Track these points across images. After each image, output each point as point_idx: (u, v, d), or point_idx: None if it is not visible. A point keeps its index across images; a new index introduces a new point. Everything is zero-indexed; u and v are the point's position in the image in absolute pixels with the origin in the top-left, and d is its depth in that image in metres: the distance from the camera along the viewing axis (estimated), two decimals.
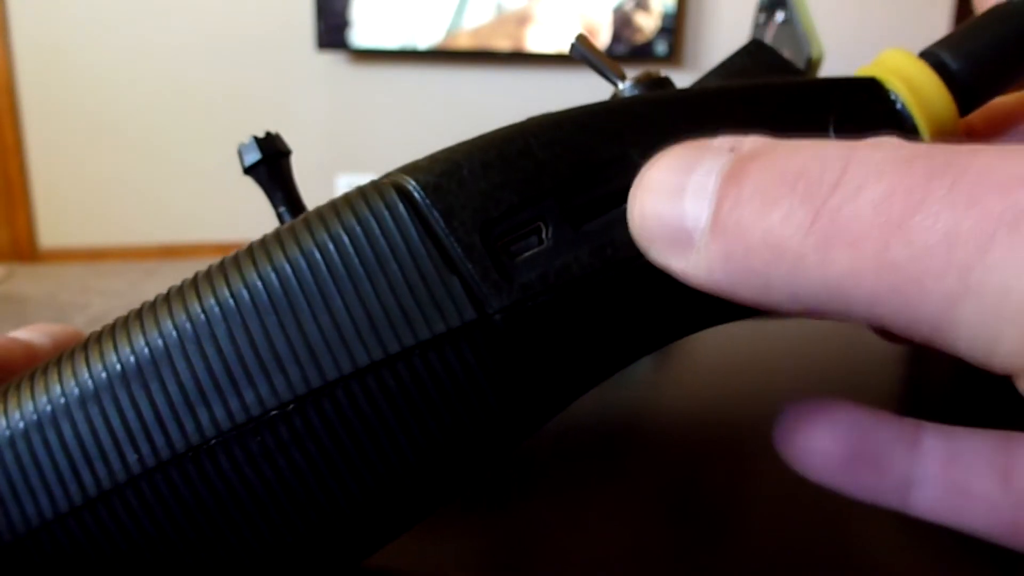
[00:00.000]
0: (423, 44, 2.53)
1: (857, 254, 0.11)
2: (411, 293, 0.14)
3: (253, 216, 2.37)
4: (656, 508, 0.26)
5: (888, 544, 0.24)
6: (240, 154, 0.18)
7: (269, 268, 0.15)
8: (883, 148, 0.11)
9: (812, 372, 0.38)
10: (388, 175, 0.16)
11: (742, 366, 0.38)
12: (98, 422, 0.14)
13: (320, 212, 0.15)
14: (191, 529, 0.15)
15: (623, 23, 2.60)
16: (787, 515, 0.26)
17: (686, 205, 0.13)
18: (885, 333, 0.18)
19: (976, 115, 0.19)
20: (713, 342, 0.41)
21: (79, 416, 0.15)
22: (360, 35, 2.47)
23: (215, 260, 0.16)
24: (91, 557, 0.15)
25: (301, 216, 0.16)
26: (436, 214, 0.15)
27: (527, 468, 0.27)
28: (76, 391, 0.15)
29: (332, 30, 2.45)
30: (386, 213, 0.15)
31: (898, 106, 0.17)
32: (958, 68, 0.17)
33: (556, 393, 0.16)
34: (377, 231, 0.15)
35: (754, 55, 0.18)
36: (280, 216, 0.18)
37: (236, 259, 0.15)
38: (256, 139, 0.18)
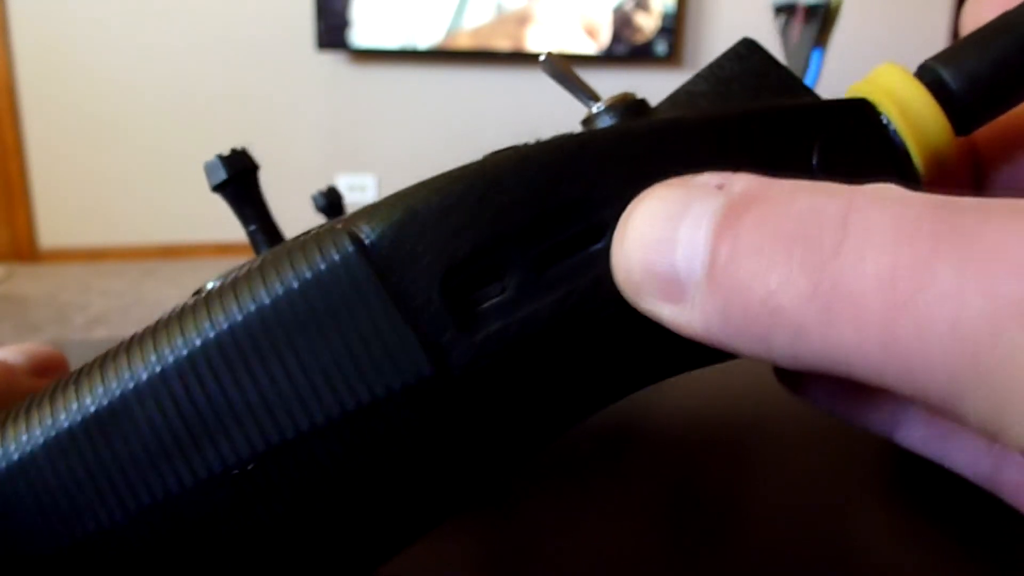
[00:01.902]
0: (423, 44, 2.53)
1: (861, 328, 0.10)
2: (367, 349, 0.14)
3: None
4: (655, 508, 0.26)
5: (887, 545, 0.24)
6: (206, 173, 0.17)
7: (223, 320, 0.14)
8: (884, 207, 0.11)
9: None
10: (343, 219, 0.15)
11: (741, 367, 0.38)
12: (68, 473, 0.14)
13: (275, 259, 0.15)
14: None
15: (623, 23, 2.60)
16: (786, 515, 0.26)
17: (677, 257, 0.12)
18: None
19: (982, 133, 0.18)
20: None
21: (46, 471, 0.14)
22: (360, 35, 2.47)
23: (185, 303, 0.15)
24: None
25: (255, 264, 0.15)
26: (392, 264, 0.14)
27: (526, 469, 0.27)
28: (35, 445, 0.14)
29: (332, 30, 2.45)
30: (339, 264, 0.14)
31: (890, 130, 0.16)
32: (958, 88, 0.16)
33: (521, 441, 0.16)
34: (330, 284, 0.14)
35: (745, 59, 0.17)
36: (252, 235, 0.17)
37: (193, 309, 0.15)
38: (220, 157, 0.17)
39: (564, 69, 0.17)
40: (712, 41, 2.69)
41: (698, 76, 0.17)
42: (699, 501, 0.27)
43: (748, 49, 0.17)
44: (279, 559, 0.15)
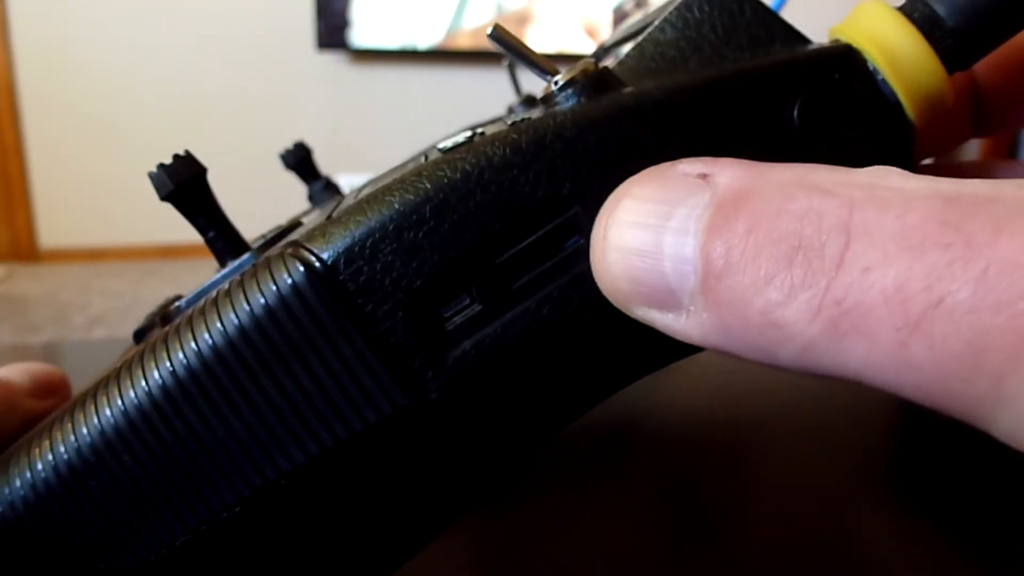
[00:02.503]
0: (423, 44, 2.53)
1: (872, 347, 0.09)
2: (336, 383, 0.13)
3: (252, 216, 2.37)
4: (654, 509, 0.26)
5: (887, 544, 0.24)
6: (153, 184, 0.16)
7: (183, 364, 0.13)
8: (887, 211, 0.10)
9: None
10: (293, 243, 0.14)
11: (742, 366, 0.38)
12: (71, 520, 0.14)
13: (229, 294, 0.14)
14: None
15: (623, 23, 2.60)
16: (786, 515, 0.26)
17: (666, 267, 0.11)
18: None
19: (982, 65, 0.17)
20: None
21: (29, 526, 0.14)
22: (360, 35, 2.47)
23: (144, 345, 0.14)
24: None
25: (210, 299, 0.14)
26: (350, 290, 0.13)
27: (525, 468, 0.27)
28: (16, 497, 0.14)
29: (332, 30, 2.45)
30: (293, 295, 0.13)
31: (879, 79, 0.15)
32: (954, 22, 0.14)
33: (510, 452, 0.15)
34: (287, 316, 0.13)
35: None
36: (211, 242, 0.17)
37: (154, 353, 0.14)
38: (163, 167, 0.16)
39: (514, 42, 0.15)
40: None
41: (665, 21, 0.16)
42: (699, 501, 0.27)
43: None
44: None
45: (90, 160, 2.49)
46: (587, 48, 2.58)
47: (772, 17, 0.15)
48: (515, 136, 0.14)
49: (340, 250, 0.13)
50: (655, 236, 0.11)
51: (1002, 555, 0.23)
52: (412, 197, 0.13)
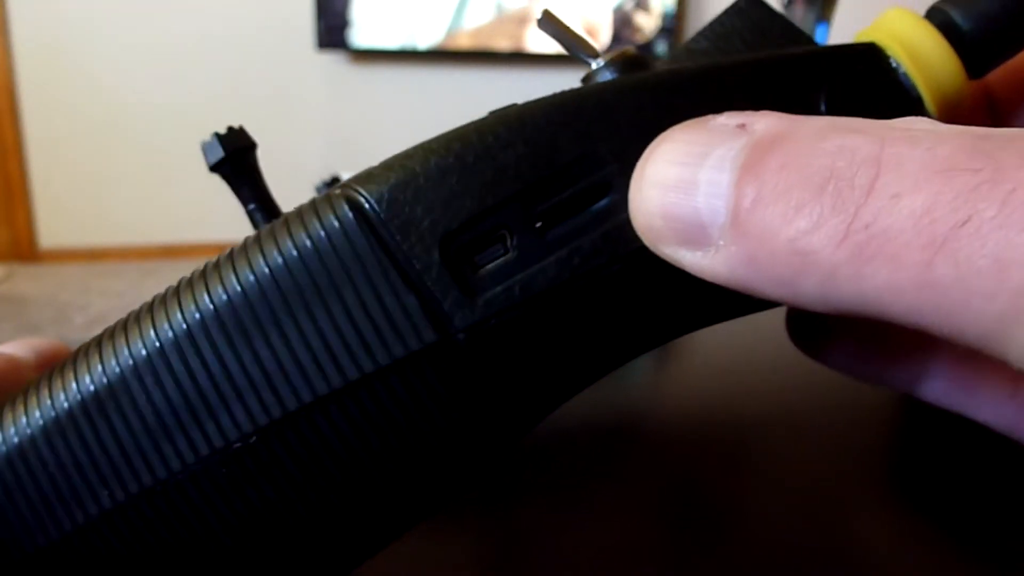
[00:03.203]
0: (423, 44, 2.53)
1: (896, 270, 0.10)
2: (368, 316, 0.14)
3: None
4: (654, 508, 0.26)
5: (886, 545, 0.24)
6: (204, 152, 0.17)
7: (222, 291, 0.14)
8: (918, 145, 0.10)
9: (814, 371, 0.38)
10: (342, 184, 0.15)
11: (742, 366, 0.38)
12: (67, 456, 0.14)
13: (273, 230, 0.15)
14: (164, 563, 0.14)
15: (623, 23, 2.60)
16: (785, 515, 0.26)
17: (699, 201, 0.12)
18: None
19: (997, 76, 0.18)
20: (713, 342, 0.41)
21: (46, 453, 0.14)
22: (360, 35, 2.47)
23: (182, 278, 0.15)
24: None
25: (254, 235, 0.15)
26: (391, 228, 0.14)
27: (524, 468, 0.27)
28: (38, 425, 0.14)
29: (332, 30, 2.45)
30: (338, 231, 0.14)
31: (900, 74, 0.15)
32: (970, 28, 0.15)
33: (528, 408, 0.15)
34: (330, 251, 0.14)
35: (746, 13, 0.17)
36: (251, 214, 0.17)
37: (190, 282, 0.15)
38: (217, 135, 0.17)
39: (561, 27, 0.16)
40: None
41: (699, 34, 0.17)
42: (699, 501, 0.27)
43: (749, 3, 0.17)
44: (284, 540, 0.15)
45: (90, 160, 2.49)
46: None
47: (797, 32, 0.17)
48: (557, 98, 0.15)
49: (383, 191, 0.14)
50: (691, 173, 0.12)
51: (1002, 555, 0.23)
52: (456, 145, 0.14)
